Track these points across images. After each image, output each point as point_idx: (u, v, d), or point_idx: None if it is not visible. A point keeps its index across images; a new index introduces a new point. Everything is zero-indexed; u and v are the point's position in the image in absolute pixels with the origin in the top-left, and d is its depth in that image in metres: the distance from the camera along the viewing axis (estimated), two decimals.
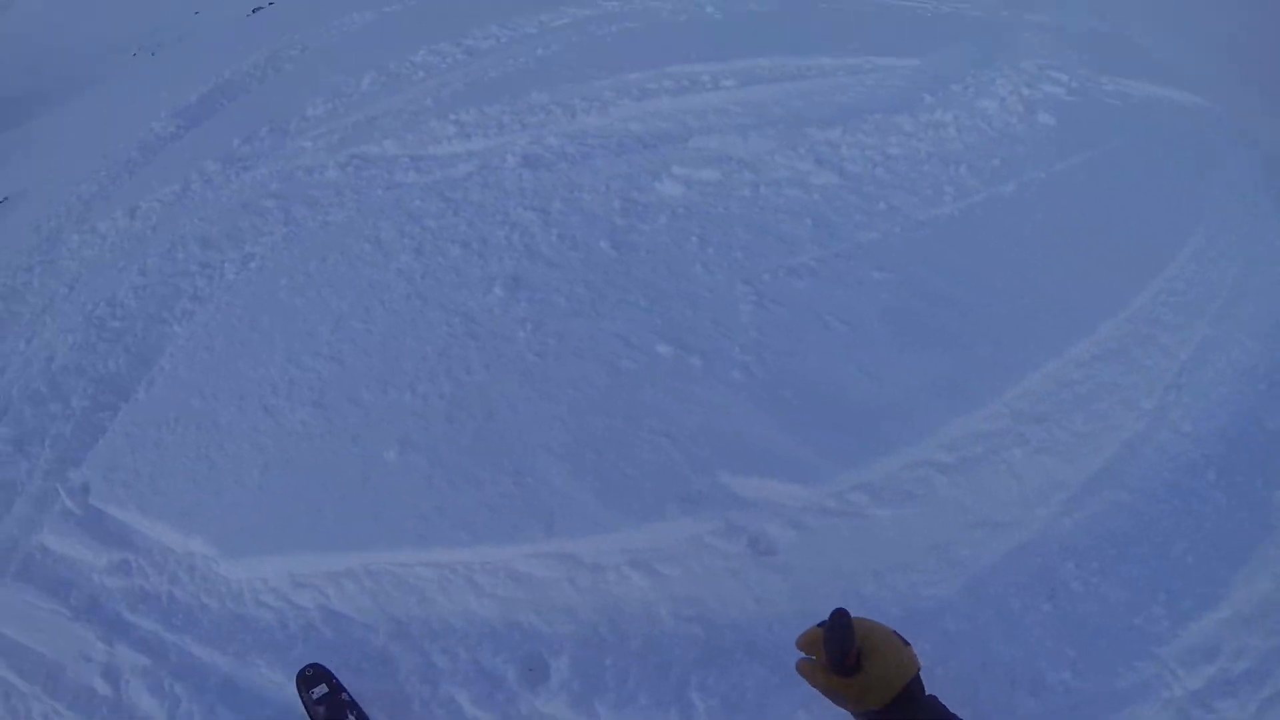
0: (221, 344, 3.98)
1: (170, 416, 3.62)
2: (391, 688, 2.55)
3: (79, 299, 5.29)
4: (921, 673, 1.06)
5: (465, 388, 3.27)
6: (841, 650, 1.03)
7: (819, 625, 1.07)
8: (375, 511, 2.93)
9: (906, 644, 1.06)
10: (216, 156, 6.29)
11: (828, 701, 1.09)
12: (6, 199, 8.48)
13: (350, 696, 2.52)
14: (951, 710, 1.04)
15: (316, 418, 3.32)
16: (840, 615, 1.02)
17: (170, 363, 4.02)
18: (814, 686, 1.07)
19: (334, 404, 3.35)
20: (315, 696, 2.53)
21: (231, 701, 2.67)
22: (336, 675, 2.57)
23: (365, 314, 3.78)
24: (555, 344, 3.38)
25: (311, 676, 2.58)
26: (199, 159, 6.29)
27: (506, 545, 2.75)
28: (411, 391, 3.32)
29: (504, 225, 4.16)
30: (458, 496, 2.91)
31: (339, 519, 2.94)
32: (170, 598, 3.03)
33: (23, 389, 4.51)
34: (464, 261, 3.96)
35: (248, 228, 5.10)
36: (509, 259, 3.91)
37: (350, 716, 2.49)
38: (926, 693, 1.05)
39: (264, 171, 5.75)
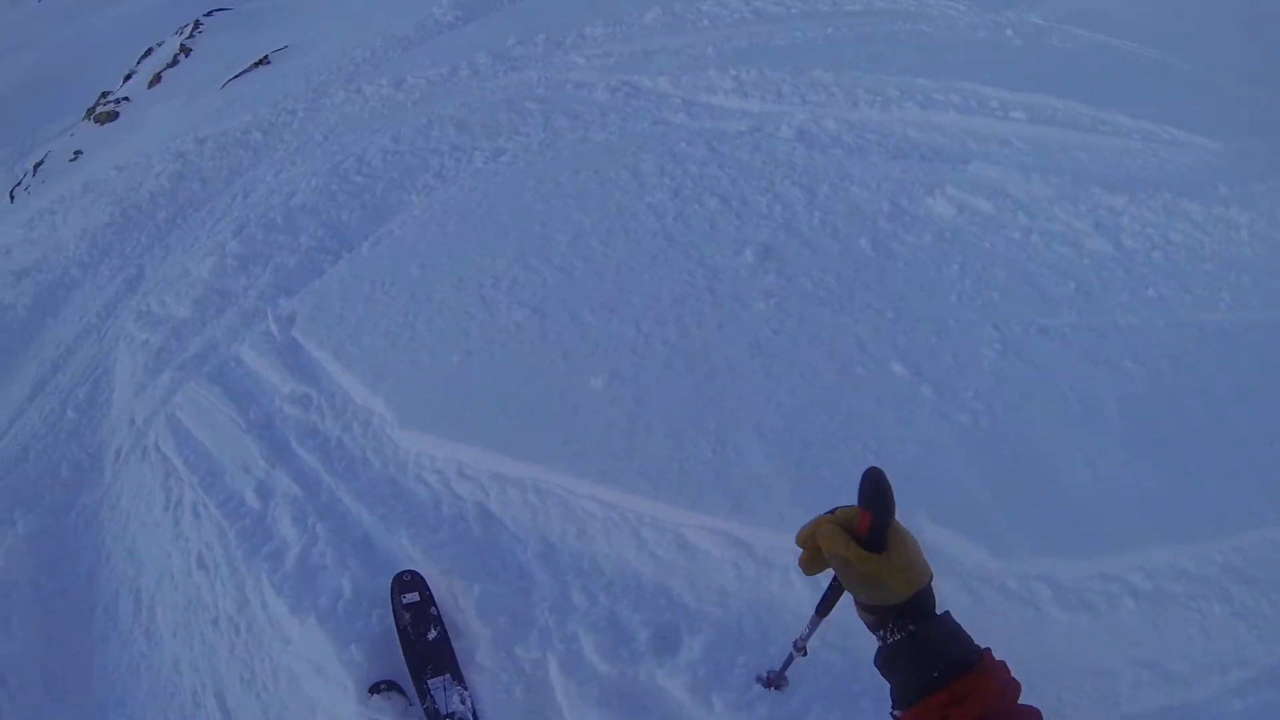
0: (454, 225, 4.12)
1: (387, 278, 3.79)
2: (518, 606, 2.55)
3: (330, 149, 5.71)
4: None
5: (691, 340, 3.19)
6: (885, 508, 0.98)
7: (828, 512, 1.04)
8: (565, 433, 2.91)
9: None
10: (489, 51, 6.61)
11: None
12: (287, 47, 9.36)
13: (438, 612, 2.56)
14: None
15: (531, 322, 3.35)
16: (879, 473, 0.98)
17: (400, 228, 4.21)
18: (831, 556, 1.02)
19: (553, 314, 3.37)
20: (405, 601, 2.58)
21: (365, 558, 2.76)
22: (432, 588, 2.62)
23: (607, 236, 3.79)
24: (793, 326, 3.25)
25: (408, 582, 2.63)
26: (471, 50, 6.64)
27: (685, 510, 2.67)
28: (636, 327, 3.28)
29: (767, 193, 4.07)
30: (652, 445, 2.84)
31: (525, 428, 2.99)
32: (339, 444, 3.14)
33: (261, 215, 4.91)
34: (720, 216, 3.90)
35: (505, 124, 5.29)
36: (766, 227, 3.82)
37: (433, 631, 2.52)
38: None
39: (533, 75, 5.98)
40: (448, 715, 2.36)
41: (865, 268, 3.59)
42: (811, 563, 1.06)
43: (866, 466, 1.01)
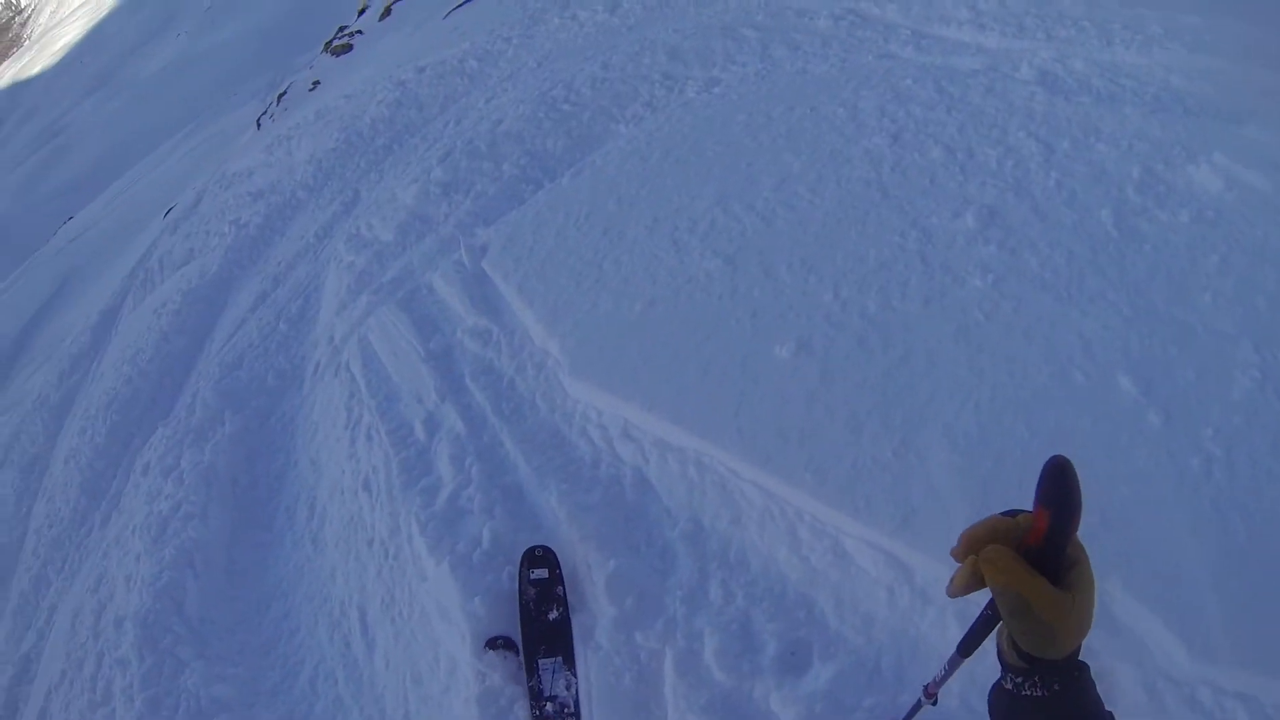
0: (657, 158, 4.09)
1: (583, 211, 3.83)
2: (650, 590, 2.55)
3: (541, 75, 5.87)
4: None
5: (892, 314, 2.97)
6: (1070, 512, 0.78)
7: (1006, 514, 0.85)
8: (738, 404, 2.87)
9: None
10: None
11: None
12: None
13: (564, 592, 2.60)
14: None
15: (723, 273, 3.28)
16: (1066, 462, 0.78)
17: (603, 159, 4.25)
18: (1004, 592, 0.81)
19: (746, 266, 3.28)
20: (532, 577, 2.64)
21: (511, 510, 2.88)
22: (563, 569, 2.66)
23: (816, 183, 3.60)
24: (1009, 311, 2.90)
25: (539, 558, 2.69)
26: None
27: (849, 516, 2.51)
28: (834, 292, 3.10)
29: (998, 145, 3.67)
30: (828, 433, 2.71)
31: (698, 391, 2.96)
32: (510, 384, 3.27)
33: (467, 142, 5.16)
34: (942, 169, 3.58)
35: (720, 52, 5.16)
36: (992, 187, 3.44)
37: (555, 611, 2.56)
38: None
39: (752, 0, 5.74)
40: (549, 698, 2.45)
41: (1103, 248, 3.11)
42: (966, 586, 0.86)
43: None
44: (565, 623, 2.59)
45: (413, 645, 2.75)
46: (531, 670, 2.53)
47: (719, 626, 2.38)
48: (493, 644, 2.52)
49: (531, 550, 2.71)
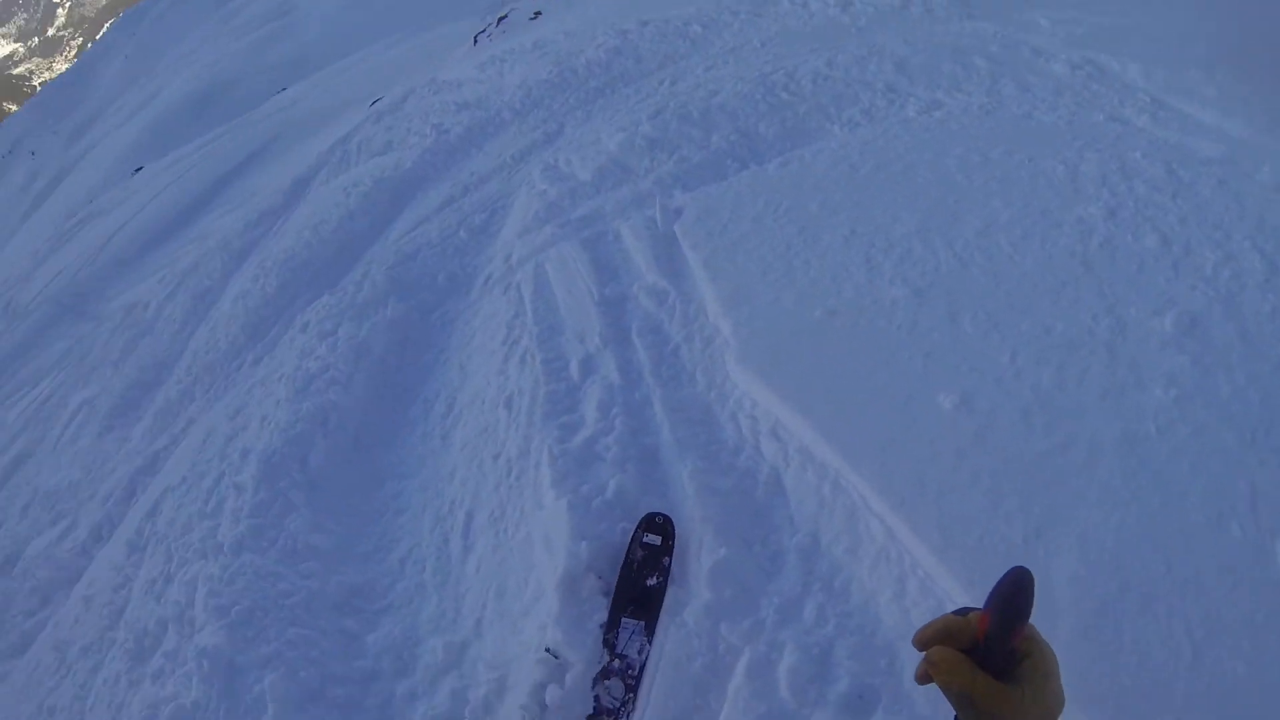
0: (867, 170, 4.05)
1: (783, 203, 3.83)
2: (751, 587, 2.54)
3: (764, 57, 5.90)
4: None
5: (1064, 397, 2.85)
6: (1018, 615, 0.84)
7: (957, 612, 0.90)
8: (888, 441, 2.82)
9: None
10: None
11: None
12: None
13: (670, 564, 2.63)
14: None
15: (907, 305, 3.23)
16: (1023, 572, 0.83)
17: (813, 156, 4.24)
18: (947, 690, 0.87)
19: (931, 304, 3.22)
20: (645, 540, 2.67)
21: (643, 470, 2.94)
22: (676, 542, 2.68)
23: (1019, 239, 3.51)
24: (1184, 434, 2.70)
25: (658, 525, 2.72)
26: None
27: (960, 586, 2.42)
28: (1011, 356, 3.00)
29: (1219, 249, 3.39)
30: (966, 497, 2.63)
31: (854, 419, 2.91)
32: (674, 350, 3.32)
33: (680, 105, 5.24)
34: (1153, 259, 3.39)
35: (947, 75, 5.06)
36: (1201, 293, 3.21)
37: (655, 579, 2.59)
38: None
39: (988, 28, 5.62)
40: (619, 655, 2.50)
41: None
42: (925, 676, 0.90)
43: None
44: (661, 592, 2.62)
45: (508, 561, 2.85)
46: (613, 624, 2.58)
47: (801, 646, 2.37)
48: (650, 523, 2.64)
49: (653, 515, 2.75)
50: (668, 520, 2.75)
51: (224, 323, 5.03)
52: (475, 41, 10.86)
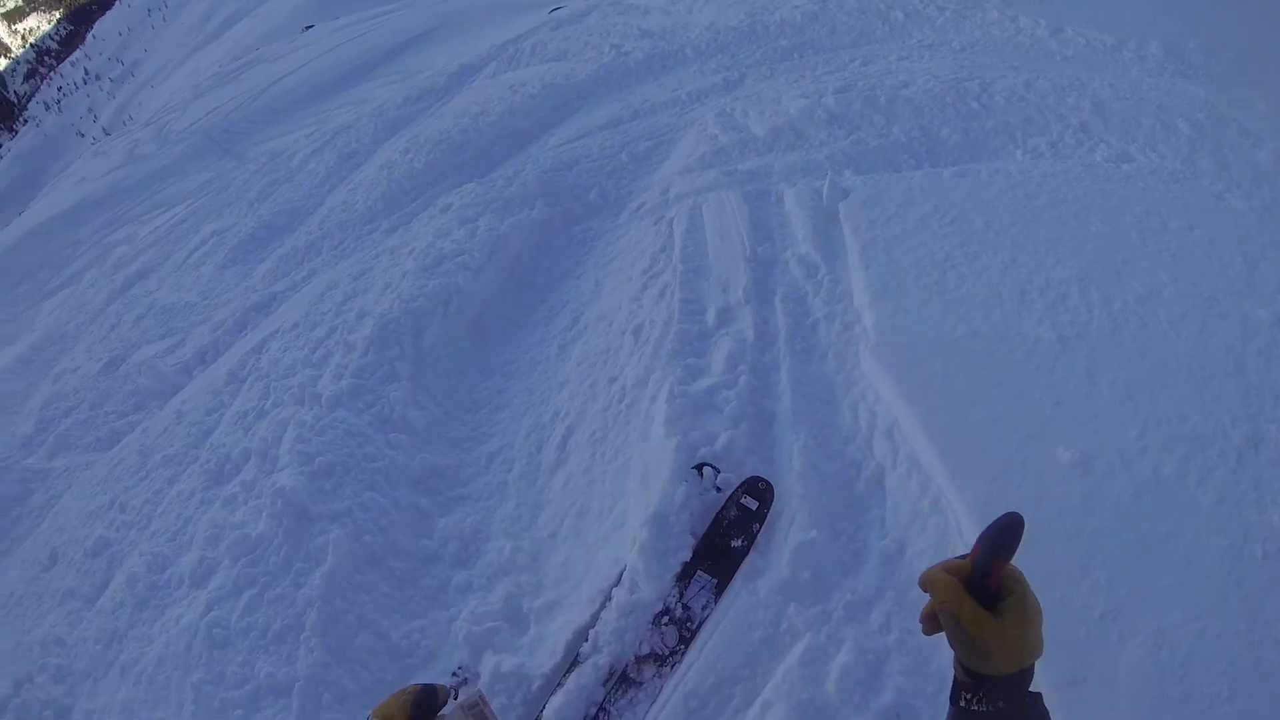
0: (1041, 204, 3.93)
1: (951, 212, 3.77)
2: (828, 576, 2.49)
3: (961, 61, 5.71)
4: None
5: (1181, 490, 2.69)
6: (1000, 548, 1.00)
7: (962, 557, 1.06)
8: (997, 476, 2.73)
9: None
10: (1168, 45, 5.91)
11: None
12: None
13: (759, 531, 2.63)
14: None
15: (1050, 349, 3.14)
16: (1016, 516, 1.01)
17: (989, 175, 4.16)
18: (940, 607, 1.04)
19: (1074, 355, 3.13)
20: (742, 502, 2.68)
21: (756, 433, 2.91)
22: (771, 511, 2.67)
23: (1179, 318, 3.34)
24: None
25: (760, 490, 2.71)
26: (1148, 30, 5.97)
27: None
28: (1140, 432, 2.86)
29: None
30: (1058, 555, 2.51)
31: (970, 443, 2.80)
32: (812, 325, 3.35)
33: (868, 87, 5.17)
34: None
35: (1145, 130, 4.83)
36: None
37: (740, 541, 2.60)
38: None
39: (1199, 92, 5.28)
40: (684, 605, 2.52)
41: None
42: (931, 620, 1.09)
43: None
44: (741, 556, 2.62)
45: (597, 485, 2.87)
46: (686, 574, 2.59)
47: (859, 648, 2.35)
48: (753, 486, 2.67)
49: (757, 480, 2.74)
50: (769, 488, 2.74)
51: (365, 187, 5.17)
52: None
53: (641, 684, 2.48)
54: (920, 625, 1.11)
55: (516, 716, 2.47)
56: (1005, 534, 1.01)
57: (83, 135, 18.07)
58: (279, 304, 4.64)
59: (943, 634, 1.09)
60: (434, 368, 3.56)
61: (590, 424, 3.09)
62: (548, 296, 3.86)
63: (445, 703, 1.54)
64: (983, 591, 1.03)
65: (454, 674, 2.61)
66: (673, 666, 2.46)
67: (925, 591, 1.07)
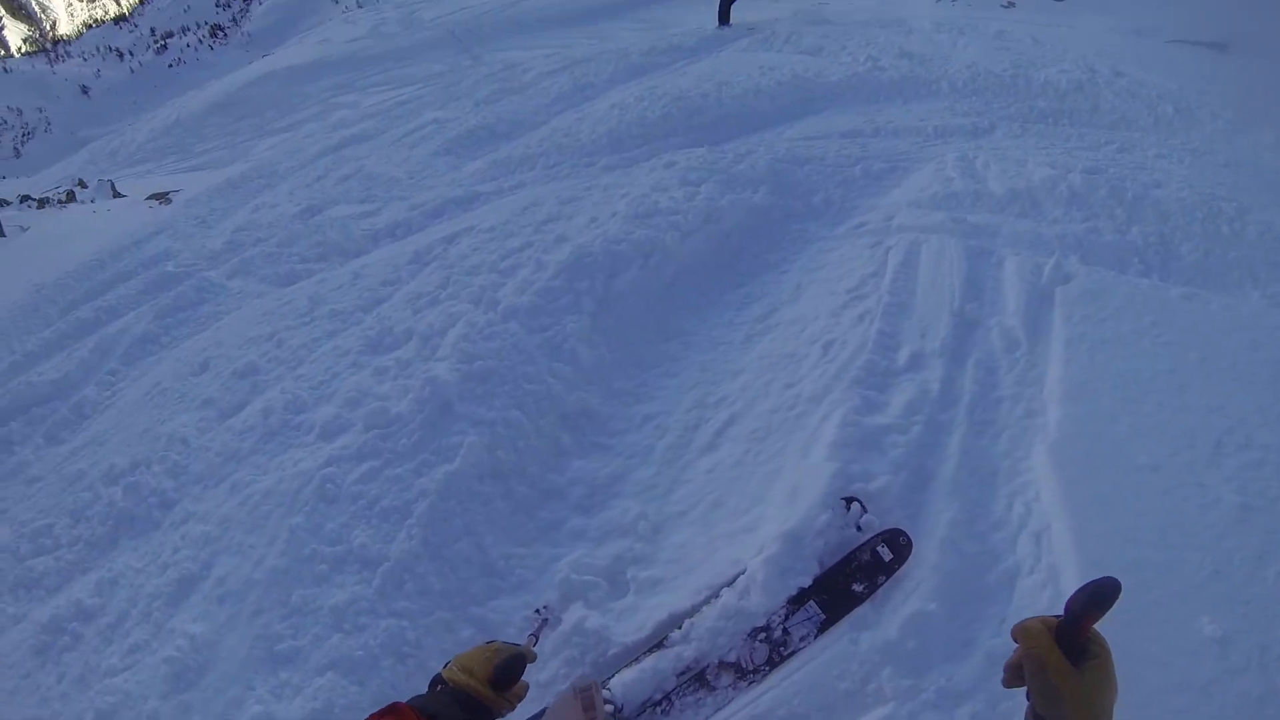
0: (1267, 355, 3.57)
1: (1169, 334, 3.53)
2: (932, 650, 2.34)
3: (1220, 179, 5.22)
4: None
5: None
6: (1096, 603, 1.02)
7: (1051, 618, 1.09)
8: (1136, 616, 2.46)
9: None
10: None
11: None
12: None
13: (883, 584, 2.51)
14: None
15: (1226, 509, 2.84)
16: (1115, 580, 1.02)
17: (1220, 309, 3.81)
18: (1028, 653, 1.06)
19: (1250, 528, 2.83)
20: (878, 549, 2.55)
21: (914, 486, 2.78)
22: (901, 569, 2.53)
23: None
24: None
25: (900, 545, 2.57)
26: None
27: None
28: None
29: None
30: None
31: (1115, 569, 2.50)
32: (997, 400, 3.15)
33: (1115, 176, 4.83)
34: None
35: None
36: None
37: (862, 587, 2.48)
38: None
39: None
40: (783, 629, 2.44)
41: None
42: (1014, 672, 1.10)
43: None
44: (858, 602, 2.52)
45: (741, 481, 2.80)
46: (799, 600, 2.50)
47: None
48: (893, 538, 2.55)
49: (899, 533, 2.62)
50: (909, 545, 2.62)
51: (592, 120, 5.20)
52: None
53: (715, 689, 2.43)
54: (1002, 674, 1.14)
55: (580, 674, 2.44)
56: (1103, 591, 1.02)
57: (336, 2, 19.04)
58: (480, 204, 4.72)
59: (1022, 688, 1.12)
60: (617, 313, 3.55)
61: (753, 420, 3.02)
62: (747, 282, 3.79)
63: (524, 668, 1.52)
64: (1070, 644, 1.05)
65: (537, 611, 2.60)
66: (750, 684, 2.40)
67: (1016, 641, 1.10)
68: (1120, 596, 1.05)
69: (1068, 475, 2.89)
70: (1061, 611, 1.09)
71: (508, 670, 1.46)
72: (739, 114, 5.39)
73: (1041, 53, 6.98)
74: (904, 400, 3.00)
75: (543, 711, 2.32)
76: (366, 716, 1.28)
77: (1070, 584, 2.65)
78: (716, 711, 2.38)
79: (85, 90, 21.85)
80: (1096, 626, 1.07)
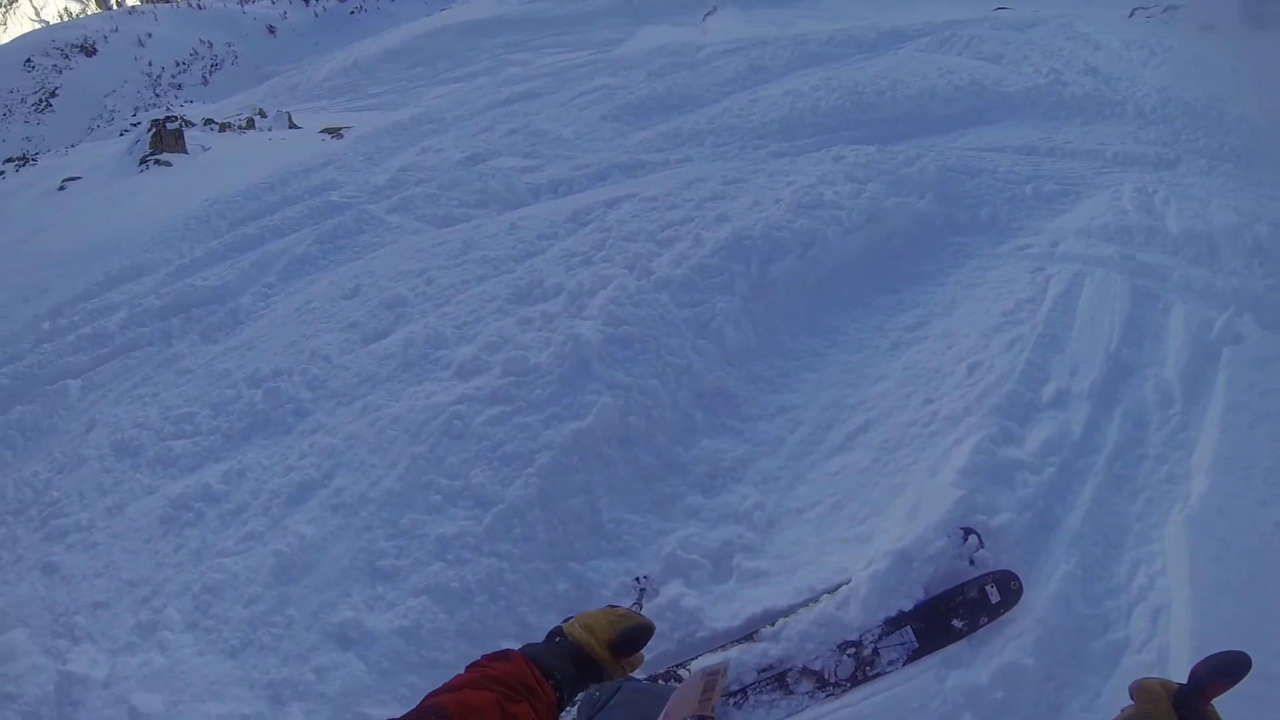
0: None
1: None
2: (1018, 704, 2.26)
3: None
4: None
5: None
6: (1223, 673, 1.00)
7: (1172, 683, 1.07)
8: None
9: None
10: None
11: None
12: None
13: (984, 625, 2.40)
14: None
15: None
16: (1246, 656, 1.01)
17: None
18: (1143, 711, 1.04)
19: None
20: (985, 588, 2.43)
21: (1035, 528, 2.67)
22: (1007, 614, 2.42)
23: None
24: None
25: (1011, 589, 2.45)
26: None
27: None
28: None
29: None
30: None
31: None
32: (1140, 457, 2.93)
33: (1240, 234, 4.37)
34: None
35: None
36: None
37: (962, 624, 2.39)
38: None
39: None
40: (874, 649, 2.39)
41: None
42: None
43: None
44: (955, 638, 2.44)
45: (865, 489, 2.76)
46: (897, 623, 2.44)
47: None
48: (1004, 581, 2.47)
49: (1012, 576, 2.51)
50: (1020, 591, 2.51)
51: (765, 104, 5.15)
52: (1131, 14, 9.80)
53: (792, 693, 2.41)
54: None
55: (665, 649, 2.45)
56: (1233, 663, 1.00)
57: None
58: (645, 172, 4.74)
59: None
60: (768, 300, 3.54)
61: (887, 430, 2.96)
62: (901, 289, 3.71)
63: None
64: (1188, 712, 1.02)
65: (637, 579, 2.64)
66: (829, 696, 2.37)
67: (1132, 698, 1.07)
68: (1235, 694, 1.00)
69: (1201, 554, 2.70)
70: (1185, 679, 1.05)
71: (632, 638, 1.46)
72: (912, 115, 5.25)
73: (1239, 83, 6.42)
74: (1042, 438, 2.88)
75: (653, 680, 2.37)
76: (479, 657, 1.31)
77: (1178, 671, 2.46)
78: (788, 716, 2.37)
79: (271, 30, 23.09)
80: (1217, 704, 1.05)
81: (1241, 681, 1.01)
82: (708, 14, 11.76)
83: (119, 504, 3.18)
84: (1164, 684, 1.06)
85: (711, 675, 1.58)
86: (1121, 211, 4.20)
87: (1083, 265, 3.74)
